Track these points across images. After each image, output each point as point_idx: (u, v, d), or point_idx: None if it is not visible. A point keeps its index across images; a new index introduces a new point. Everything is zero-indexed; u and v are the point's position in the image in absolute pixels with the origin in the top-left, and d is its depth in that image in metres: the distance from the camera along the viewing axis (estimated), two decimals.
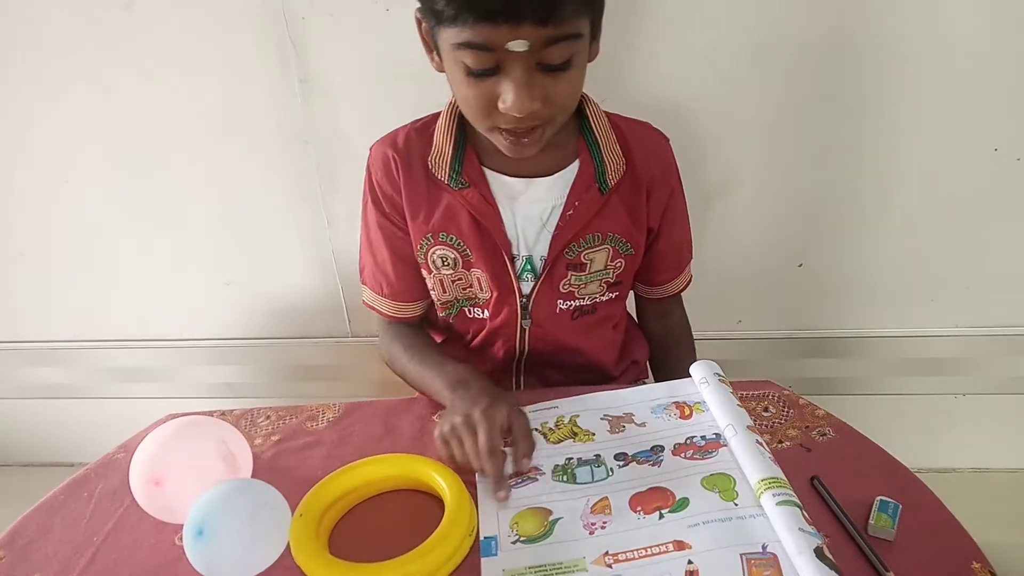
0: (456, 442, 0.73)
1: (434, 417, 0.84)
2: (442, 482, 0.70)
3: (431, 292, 0.93)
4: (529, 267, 0.88)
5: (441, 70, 0.76)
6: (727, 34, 1.11)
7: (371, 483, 0.73)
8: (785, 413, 0.81)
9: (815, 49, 1.12)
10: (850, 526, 0.65)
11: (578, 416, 0.80)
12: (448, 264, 0.88)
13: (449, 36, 0.68)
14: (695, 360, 0.84)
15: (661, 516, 0.65)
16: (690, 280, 1.01)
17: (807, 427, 0.78)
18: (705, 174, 1.23)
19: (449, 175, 0.84)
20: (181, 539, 0.66)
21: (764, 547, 0.61)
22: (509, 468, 0.72)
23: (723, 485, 0.68)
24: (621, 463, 0.73)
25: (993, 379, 1.42)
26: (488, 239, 0.85)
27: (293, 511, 0.68)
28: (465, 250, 0.86)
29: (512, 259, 0.86)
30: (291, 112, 1.21)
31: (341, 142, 1.23)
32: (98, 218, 1.35)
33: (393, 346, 0.94)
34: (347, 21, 1.12)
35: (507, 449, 0.72)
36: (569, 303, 0.90)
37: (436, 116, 0.87)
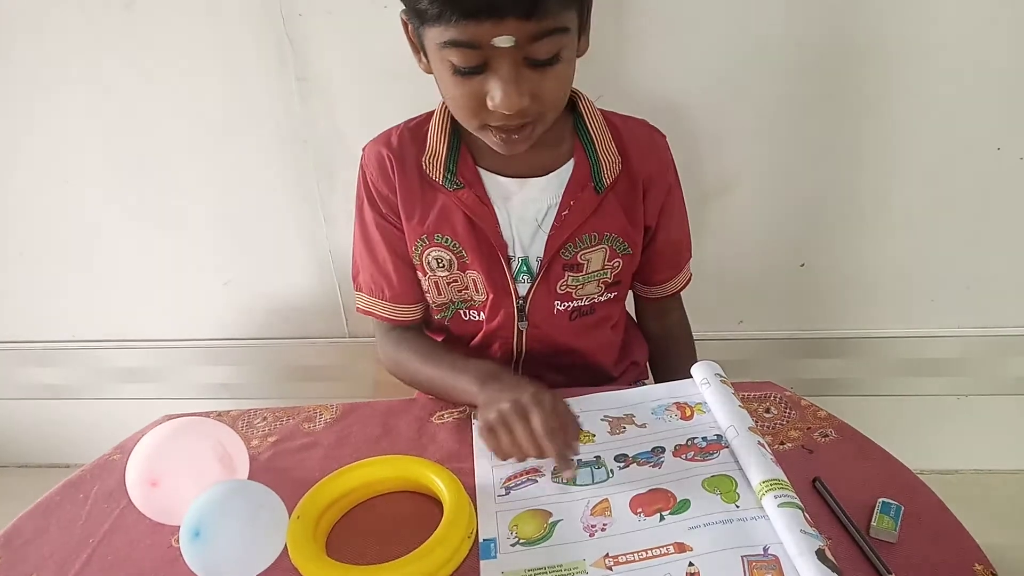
0: (504, 429, 0.70)
1: (474, 419, 0.81)
2: (441, 484, 0.69)
3: (426, 294, 0.92)
4: (525, 268, 0.87)
5: (429, 71, 0.75)
6: (726, 34, 1.11)
7: (369, 485, 0.72)
8: (787, 414, 0.80)
9: (815, 48, 1.11)
10: (852, 528, 0.64)
11: (578, 417, 0.79)
12: (443, 266, 0.87)
13: (434, 35, 0.68)
14: (695, 360, 0.84)
15: (662, 518, 0.65)
16: (689, 279, 1.00)
17: (809, 428, 0.78)
18: (705, 174, 1.23)
19: (443, 176, 0.83)
20: (178, 541, 0.65)
21: (766, 549, 0.60)
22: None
23: (724, 487, 0.67)
24: (621, 464, 0.72)
25: (995, 380, 1.42)
26: (484, 240, 0.85)
27: (290, 513, 0.67)
28: (460, 251, 0.86)
29: (508, 260, 0.86)
30: (289, 111, 1.21)
31: (339, 141, 1.23)
32: (96, 218, 1.35)
33: (399, 352, 0.91)
34: (345, 19, 1.12)
35: None
36: (567, 304, 0.90)
37: (429, 116, 0.87)
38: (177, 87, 1.20)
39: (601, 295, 0.91)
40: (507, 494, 0.71)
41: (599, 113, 0.86)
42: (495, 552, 0.64)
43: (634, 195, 0.87)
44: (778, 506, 0.62)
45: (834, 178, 1.23)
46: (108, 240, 1.37)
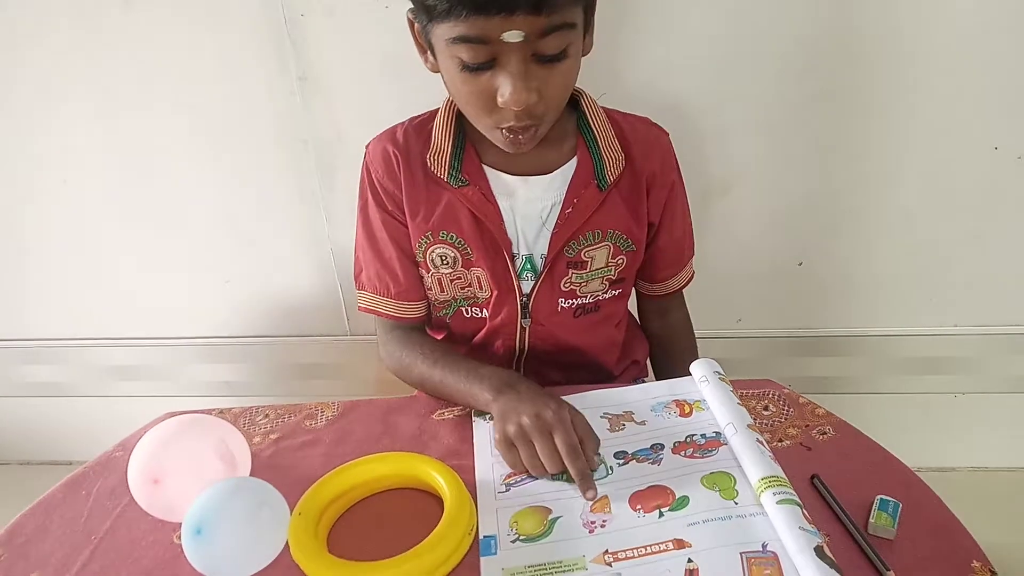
0: (524, 443, 0.71)
1: (475, 427, 0.81)
2: (441, 481, 0.69)
3: (428, 292, 0.92)
4: (529, 266, 0.87)
5: (436, 71, 0.75)
6: (727, 32, 1.11)
7: (370, 482, 0.73)
8: (785, 412, 0.81)
9: (816, 48, 1.11)
10: (850, 525, 0.64)
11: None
12: (447, 263, 0.87)
13: (443, 32, 0.68)
14: (696, 358, 0.84)
15: (661, 515, 0.65)
16: (692, 276, 1.01)
17: (807, 426, 0.78)
18: (705, 172, 1.23)
19: (449, 173, 0.84)
20: (180, 538, 0.66)
21: (764, 546, 0.61)
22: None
23: (723, 483, 0.68)
24: (621, 461, 0.72)
25: (993, 378, 1.42)
26: (488, 237, 0.85)
27: (292, 510, 0.68)
28: (465, 248, 0.86)
29: (512, 258, 0.86)
30: (290, 110, 1.21)
31: (340, 140, 1.23)
32: (96, 216, 1.35)
33: (405, 353, 0.90)
34: (346, 19, 1.12)
35: None
36: (571, 301, 0.90)
37: (434, 113, 0.87)
38: (177, 87, 1.20)
39: (605, 292, 0.91)
40: (507, 491, 0.71)
41: (602, 111, 0.87)
42: (495, 548, 0.65)
43: (637, 192, 0.87)
44: (777, 503, 0.63)
45: (834, 177, 1.23)
46: (107, 238, 1.37)
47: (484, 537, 0.66)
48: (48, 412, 1.64)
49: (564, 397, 0.81)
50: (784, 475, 0.66)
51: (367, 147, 0.89)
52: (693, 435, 0.75)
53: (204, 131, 1.24)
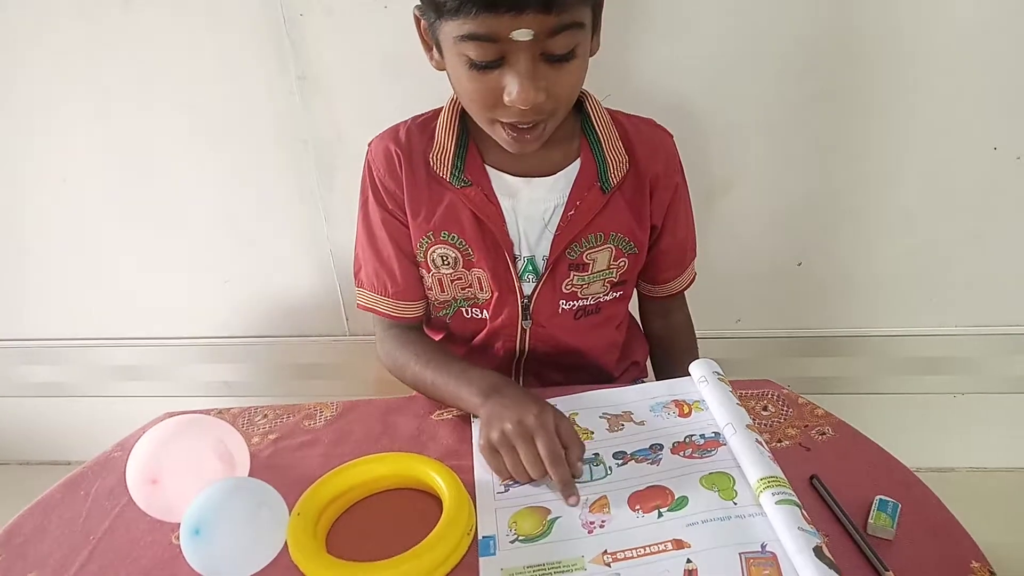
0: (508, 449, 0.71)
1: (474, 428, 0.80)
2: (440, 481, 0.69)
3: (428, 292, 0.92)
4: (531, 267, 0.87)
5: (441, 68, 0.75)
6: (728, 33, 1.11)
7: (369, 482, 0.73)
8: (784, 412, 0.81)
9: (816, 48, 1.11)
10: (849, 525, 0.64)
11: (576, 414, 0.79)
12: (448, 263, 0.87)
13: (451, 29, 0.68)
14: (697, 359, 0.84)
15: (660, 515, 0.65)
16: (694, 278, 1.01)
17: (806, 426, 0.78)
18: (705, 173, 1.23)
19: (451, 172, 0.83)
20: (178, 538, 0.66)
21: (763, 546, 0.61)
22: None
23: (722, 484, 0.68)
24: (620, 462, 0.72)
25: (993, 378, 1.42)
26: (490, 238, 0.85)
27: (291, 510, 0.68)
28: (467, 249, 0.86)
29: (514, 259, 0.86)
30: (290, 110, 1.21)
31: (339, 140, 1.23)
32: (96, 215, 1.35)
33: (400, 353, 0.90)
34: (346, 18, 1.12)
35: None
36: (572, 303, 0.90)
37: (437, 112, 0.86)
38: (177, 87, 1.20)
39: (606, 294, 0.91)
40: (506, 491, 0.71)
41: (606, 112, 0.86)
42: (494, 549, 0.64)
43: (641, 194, 0.87)
44: (776, 503, 0.63)
45: (834, 177, 1.23)
46: (106, 237, 1.37)
47: (483, 537, 0.66)
48: (47, 412, 1.64)
49: (562, 398, 0.82)
50: (783, 475, 0.66)
51: (369, 145, 0.88)
52: (692, 435, 0.75)
53: (204, 131, 1.24)
